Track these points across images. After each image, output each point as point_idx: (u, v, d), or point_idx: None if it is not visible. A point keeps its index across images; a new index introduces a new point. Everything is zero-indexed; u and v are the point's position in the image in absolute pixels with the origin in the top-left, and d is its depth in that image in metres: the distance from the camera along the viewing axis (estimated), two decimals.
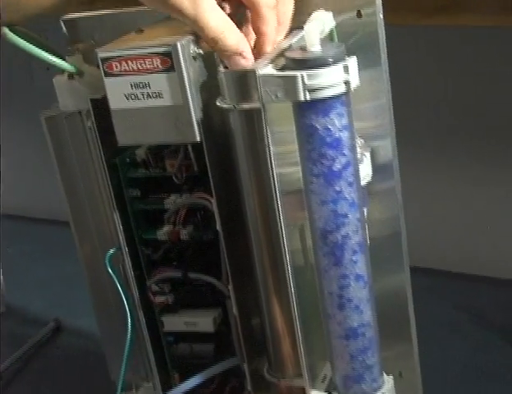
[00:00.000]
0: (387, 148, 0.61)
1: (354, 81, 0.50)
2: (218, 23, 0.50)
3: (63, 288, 1.07)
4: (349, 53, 0.53)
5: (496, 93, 0.95)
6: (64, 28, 0.64)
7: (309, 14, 0.52)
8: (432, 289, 0.88)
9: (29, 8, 0.56)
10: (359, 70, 0.55)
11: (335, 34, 0.53)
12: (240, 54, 0.51)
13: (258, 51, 0.53)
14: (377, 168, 0.61)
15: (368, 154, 0.60)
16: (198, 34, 0.52)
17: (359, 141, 0.59)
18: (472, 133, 0.98)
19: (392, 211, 0.63)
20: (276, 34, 0.53)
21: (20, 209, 1.38)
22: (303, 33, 0.52)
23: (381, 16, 0.57)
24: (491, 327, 0.82)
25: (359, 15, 0.57)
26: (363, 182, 0.59)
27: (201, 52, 0.54)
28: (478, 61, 0.94)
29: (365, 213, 0.59)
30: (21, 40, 0.56)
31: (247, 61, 0.51)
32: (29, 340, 0.95)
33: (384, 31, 0.58)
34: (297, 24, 0.55)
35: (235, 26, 0.51)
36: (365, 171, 0.59)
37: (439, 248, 1.01)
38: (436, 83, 0.97)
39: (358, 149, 0.59)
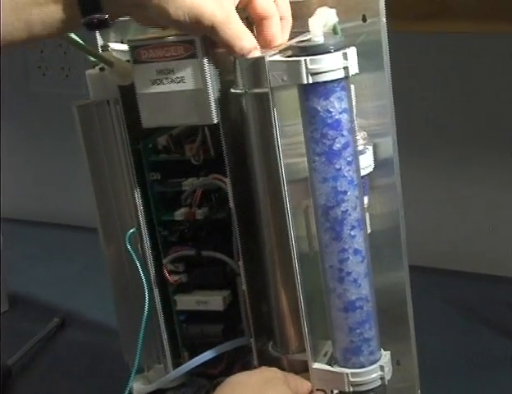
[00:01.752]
0: (388, 145, 0.69)
1: (353, 68, 0.60)
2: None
3: (66, 288, 1.14)
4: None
5: (493, 96, 1.04)
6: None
7: None
8: (423, 285, 0.95)
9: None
10: (364, 72, 0.65)
11: (338, 28, 0.63)
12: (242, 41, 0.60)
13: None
14: (378, 164, 0.69)
15: (370, 148, 0.69)
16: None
17: (363, 133, 0.68)
18: (469, 134, 1.07)
19: (392, 206, 0.71)
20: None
21: (20, 213, 1.44)
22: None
23: (384, 20, 0.66)
24: (479, 319, 0.90)
25: (364, 19, 0.67)
26: (366, 172, 0.68)
27: None
28: (474, 65, 1.04)
29: (366, 202, 0.69)
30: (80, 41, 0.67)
31: (252, 46, 0.60)
32: (35, 335, 1.02)
33: (387, 35, 0.68)
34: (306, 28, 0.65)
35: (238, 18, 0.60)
36: (367, 162, 0.68)
37: (430, 247, 1.10)
38: (438, 86, 1.06)
39: (362, 141, 0.68)
